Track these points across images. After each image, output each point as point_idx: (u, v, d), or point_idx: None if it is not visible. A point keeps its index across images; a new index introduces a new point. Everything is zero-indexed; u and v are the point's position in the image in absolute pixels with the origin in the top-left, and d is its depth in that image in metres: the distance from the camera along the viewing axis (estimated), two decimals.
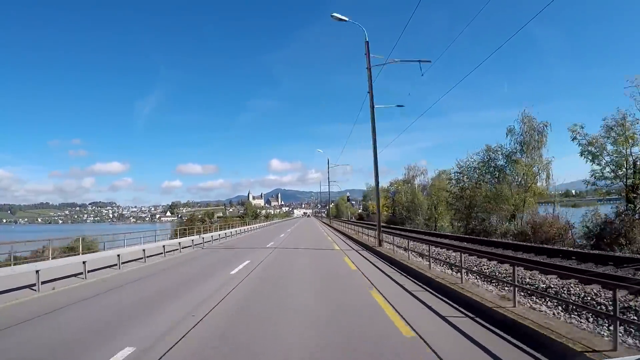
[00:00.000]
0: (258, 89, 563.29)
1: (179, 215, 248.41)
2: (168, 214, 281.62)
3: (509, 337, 4.47)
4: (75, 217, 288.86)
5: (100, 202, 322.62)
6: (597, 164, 17.48)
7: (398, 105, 18.45)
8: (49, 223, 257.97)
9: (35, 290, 8.03)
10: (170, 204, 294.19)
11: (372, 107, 17.09)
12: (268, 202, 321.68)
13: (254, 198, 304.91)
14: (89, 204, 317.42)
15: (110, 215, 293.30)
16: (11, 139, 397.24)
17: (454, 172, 29.78)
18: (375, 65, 17.13)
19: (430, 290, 7.39)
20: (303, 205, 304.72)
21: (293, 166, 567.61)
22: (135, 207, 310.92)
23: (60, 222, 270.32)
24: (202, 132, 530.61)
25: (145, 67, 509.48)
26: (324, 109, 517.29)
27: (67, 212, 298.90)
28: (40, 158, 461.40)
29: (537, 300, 6.35)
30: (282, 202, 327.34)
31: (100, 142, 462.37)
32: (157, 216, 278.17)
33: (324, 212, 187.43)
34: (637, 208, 15.54)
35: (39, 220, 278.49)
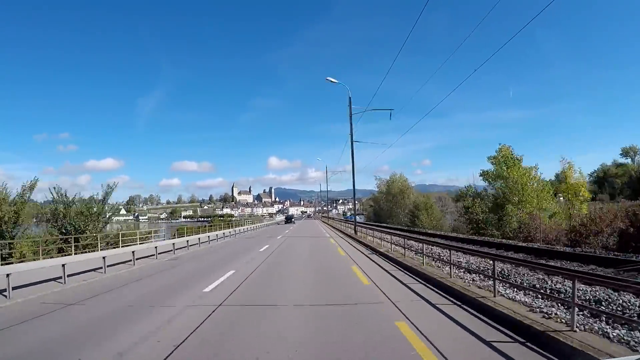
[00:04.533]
0: (261, 88, 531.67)
1: (136, 214, 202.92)
2: (123, 211, 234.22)
3: None
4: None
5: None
6: None
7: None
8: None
9: None
10: (127, 198, 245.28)
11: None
12: (259, 198, 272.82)
13: (239, 193, 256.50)
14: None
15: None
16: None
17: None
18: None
19: None
20: (302, 204, 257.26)
21: (293, 165, 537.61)
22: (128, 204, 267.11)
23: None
24: (203, 130, 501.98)
25: (146, 65, 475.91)
26: (326, 109, 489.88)
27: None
28: (30, 154, 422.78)
29: None
30: (277, 199, 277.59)
31: (92, 137, 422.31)
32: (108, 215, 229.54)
33: (333, 211, 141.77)
34: None
35: None
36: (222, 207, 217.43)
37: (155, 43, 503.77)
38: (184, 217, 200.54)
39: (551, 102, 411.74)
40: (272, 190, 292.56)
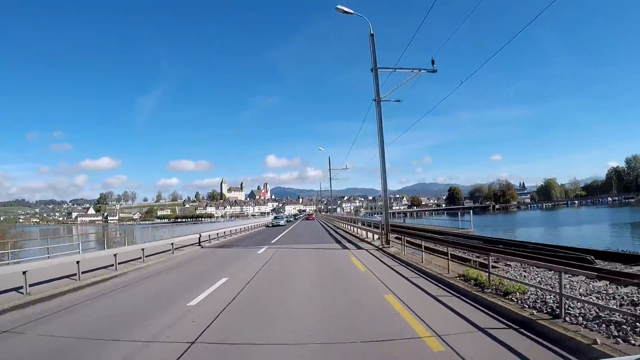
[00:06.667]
0: (261, 86, 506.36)
1: (105, 215, 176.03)
2: (91, 211, 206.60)
3: None
4: (38, 215, 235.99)
5: (81, 199, 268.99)
6: None
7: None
8: (7, 222, 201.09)
9: None
10: (99, 196, 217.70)
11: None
12: (252, 195, 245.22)
13: (229, 190, 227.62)
14: (70, 201, 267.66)
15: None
16: None
17: None
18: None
19: None
20: (302, 201, 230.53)
21: (292, 163, 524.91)
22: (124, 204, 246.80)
23: (21, 220, 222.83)
24: (202, 129, 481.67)
25: (144, 63, 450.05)
26: (328, 107, 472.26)
27: (36, 211, 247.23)
28: (25, 154, 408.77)
29: None
30: (272, 196, 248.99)
31: (87, 136, 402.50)
32: (74, 215, 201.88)
33: (337, 209, 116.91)
34: None
35: (1, 219, 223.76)
36: (206, 206, 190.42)
37: (154, 41, 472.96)
38: (158, 218, 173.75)
39: (552, 100, 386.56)
40: (266, 185, 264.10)
